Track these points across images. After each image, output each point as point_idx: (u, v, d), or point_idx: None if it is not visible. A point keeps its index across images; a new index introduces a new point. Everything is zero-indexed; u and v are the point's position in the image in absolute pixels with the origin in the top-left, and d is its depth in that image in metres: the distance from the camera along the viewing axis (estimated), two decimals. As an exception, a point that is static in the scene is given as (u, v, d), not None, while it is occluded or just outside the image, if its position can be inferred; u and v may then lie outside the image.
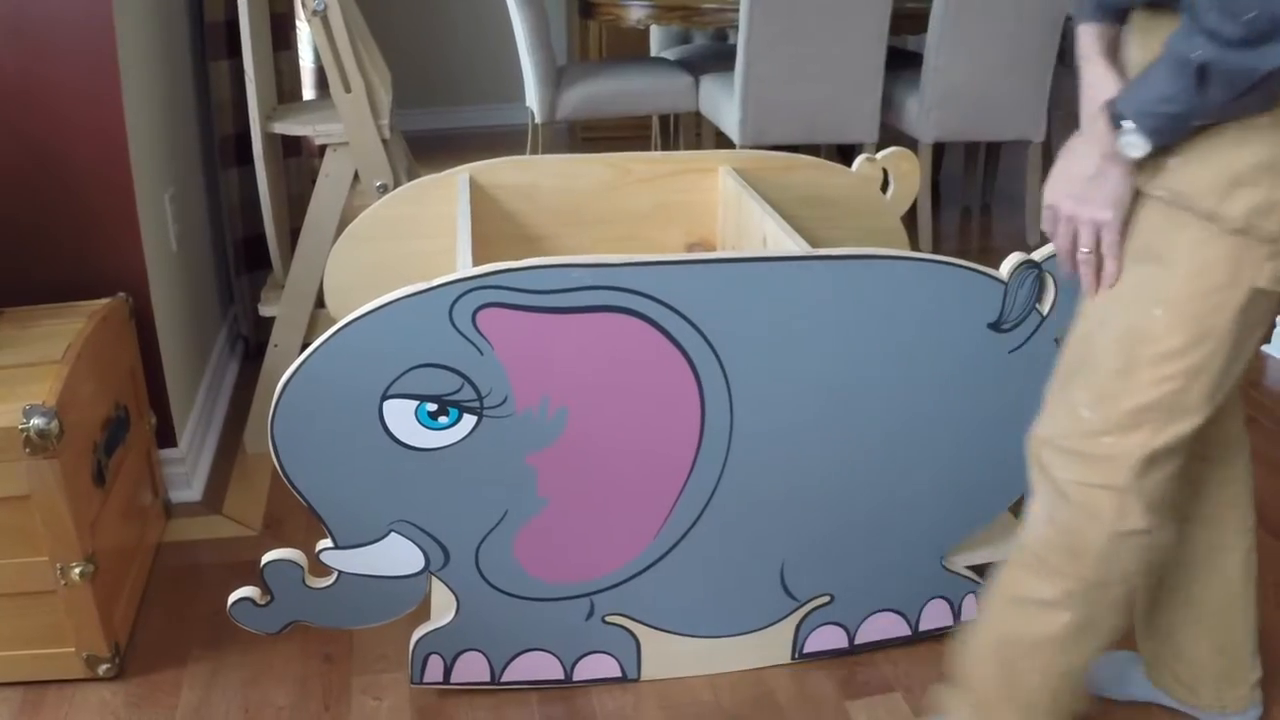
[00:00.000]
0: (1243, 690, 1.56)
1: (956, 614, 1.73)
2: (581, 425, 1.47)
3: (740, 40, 3.13)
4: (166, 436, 2.10)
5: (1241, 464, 1.50)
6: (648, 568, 1.59)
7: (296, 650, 1.75)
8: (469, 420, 1.44)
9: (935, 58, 3.22)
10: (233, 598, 1.51)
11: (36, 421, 1.51)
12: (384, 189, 2.15)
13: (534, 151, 3.96)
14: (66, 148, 1.89)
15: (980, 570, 1.69)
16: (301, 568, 1.50)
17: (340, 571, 1.51)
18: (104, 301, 1.88)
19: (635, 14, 3.66)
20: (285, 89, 2.62)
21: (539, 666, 1.64)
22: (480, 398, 1.43)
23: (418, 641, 1.61)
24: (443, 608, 1.60)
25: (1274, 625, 1.78)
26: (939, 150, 4.10)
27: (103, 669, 1.67)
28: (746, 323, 1.44)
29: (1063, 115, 3.65)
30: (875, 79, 3.25)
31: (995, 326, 1.51)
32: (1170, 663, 1.57)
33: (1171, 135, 1.11)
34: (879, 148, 2.09)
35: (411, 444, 1.44)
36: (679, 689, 1.67)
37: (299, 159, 2.71)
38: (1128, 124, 1.11)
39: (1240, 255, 1.14)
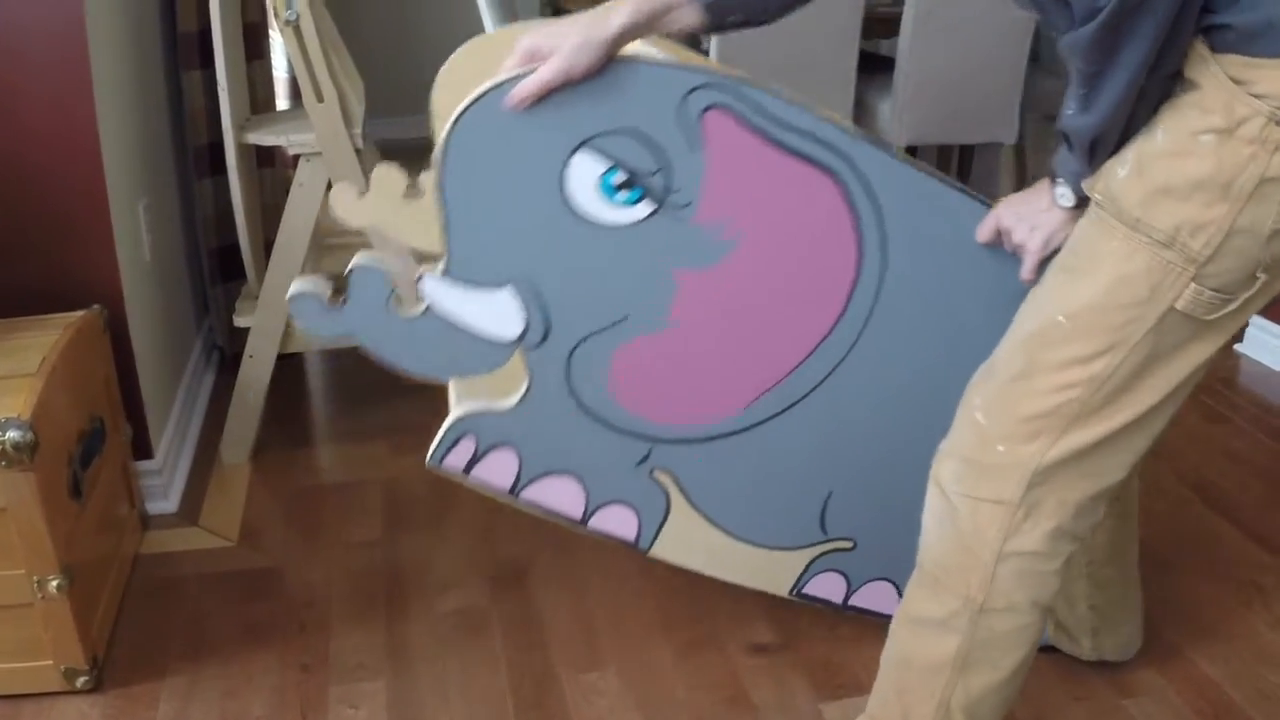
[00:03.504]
0: (1120, 639, 1.65)
1: None
2: (739, 261, 1.45)
3: (712, 43, 3.14)
4: (142, 448, 2.09)
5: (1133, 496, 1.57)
6: (719, 437, 1.56)
7: (274, 660, 1.75)
8: (645, 208, 1.41)
9: (907, 61, 3.24)
10: (296, 287, 1.43)
11: (12, 435, 1.51)
12: (358, 198, 2.15)
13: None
14: (39, 158, 1.88)
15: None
16: (390, 290, 1.43)
17: (429, 307, 1.44)
18: (78, 313, 1.88)
19: (608, 19, 3.66)
20: (258, 99, 2.62)
21: (562, 495, 1.58)
22: (669, 190, 1.40)
23: (459, 419, 1.51)
24: (499, 392, 1.51)
25: (1270, 643, 1.79)
26: (912, 153, 4.12)
27: (80, 682, 1.66)
28: (925, 238, 1.45)
29: (1035, 118, 3.67)
30: (847, 82, 3.27)
31: None
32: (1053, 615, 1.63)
33: (1078, 189, 1.23)
34: (850, 152, 2.10)
35: (579, 208, 1.40)
36: (654, 689, 1.68)
37: (273, 169, 2.71)
38: (1059, 180, 1.27)
39: (1162, 272, 1.12)
